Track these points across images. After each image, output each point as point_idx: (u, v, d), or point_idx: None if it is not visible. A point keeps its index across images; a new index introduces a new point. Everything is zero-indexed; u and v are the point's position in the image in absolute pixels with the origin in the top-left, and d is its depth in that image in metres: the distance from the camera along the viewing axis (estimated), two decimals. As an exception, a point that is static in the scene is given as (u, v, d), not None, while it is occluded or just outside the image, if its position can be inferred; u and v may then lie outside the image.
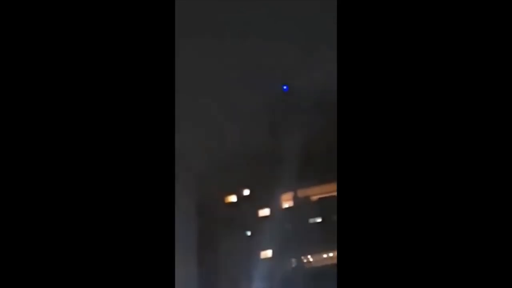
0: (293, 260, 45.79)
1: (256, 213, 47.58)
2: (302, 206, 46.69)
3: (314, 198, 47.15)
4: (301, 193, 47.25)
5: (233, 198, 48.00)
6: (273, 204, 47.43)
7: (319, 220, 46.53)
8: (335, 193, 46.88)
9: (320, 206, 46.61)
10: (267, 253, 46.37)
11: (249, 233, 47.05)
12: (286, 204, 47.41)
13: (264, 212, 47.41)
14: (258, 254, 46.37)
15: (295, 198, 47.32)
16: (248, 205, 47.77)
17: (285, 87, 51.61)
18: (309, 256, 45.64)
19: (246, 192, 48.27)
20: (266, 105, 49.42)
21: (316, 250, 45.46)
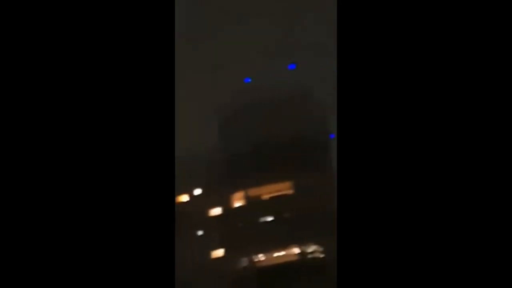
0: (245, 259, 45.92)
1: (208, 212, 47.66)
2: (253, 205, 46.87)
3: (266, 197, 47.44)
4: (253, 192, 47.39)
5: (184, 198, 47.92)
6: (225, 203, 47.55)
7: (270, 218, 46.85)
8: (286, 192, 47.43)
9: (272, 204, 46.92)
10: (218, 253, 46.49)
11: (200, 233, 47.28)
12: (237, 203, 47.56)
13: (216, 211, 47.51)
14: (210, 254, 46.62)
15: (246, 197, 47.43)
16: (200, 205, 47.94)
17: (247, 80, 51.81)
18: (260, 255, 45.82)
19: (198, 191, 48.30)
20: (219, 103, 49.47)
21: (268, 249, 45.70)
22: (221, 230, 46.49)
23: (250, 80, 52.17)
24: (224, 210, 47.57)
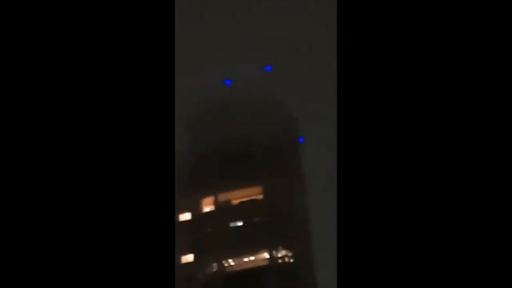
0: (214, 264, 45.49)
1: (177, 217, 47.13)
2: (223, 210, 46.44)
3: (235, 202, 47.05)
4: (222, 197, 46.95)
5: None
6: (194, 208, 47.06)
7: (240, 223, 46.52)
8: (255, 197, 47.18)
9: (241, 209, 46.56)
10: (188, 258, 46.00)
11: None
12: (207, 208, 47.15)
13: (185, 216, 47.05)
14: (179, 259, 46.10)
15: (216, 202, 47.01)
16: (169, 210, 47.24)
17: (228, 82, 51.37)
18: (230, 260, 45.45)
19: None
20: (186, 104, 48.97)
21: (238, 253, 45.33)
22: (190, 235, 46.05)
23: (230, 83, 52.15)
24: (193, 215, 47.20)
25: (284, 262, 44.87)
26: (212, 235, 45.99)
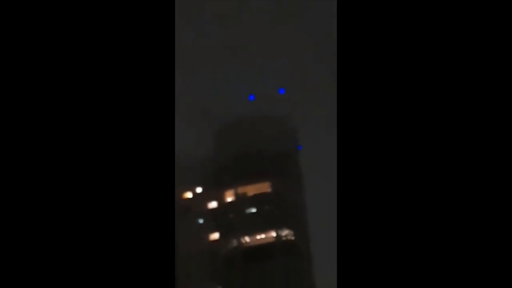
0: (234, 241, 59.72)
1: (206, 206, 61.77)
2: (241, 200, 61.17)
3: (250, 194, 61.28)
4: (240, 190, 61.19)
5: (188, 195, 62.10)
6: (219, 198, 61.51)
7: (254, 210, 60.79)
8: (265, 190, 61.46)
9: (255, 200, 61.04)
10: (215, 236, 60.51)
11: (201, 221, 61.78)
12: (229, 199, 61.70)
13: (212, 205, 61.94)
14: (208, 238, 60.86)
15: (235, 194, 61.25)
16: (200, 200, 62.63)
17: (252, 97, 66.26)
18: (246, 238, 59.69)
19: (199, 190, 62.91)
20: (214, 116, 63.84)
21: (252, 233, 59.61)
22: (216, 220, 60.96)
23: (254, 98, 66.68)
24: (219, 204, 61.89)
25: (287, 240, 59.38)
26: (232, 219, 60.72)
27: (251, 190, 61.66)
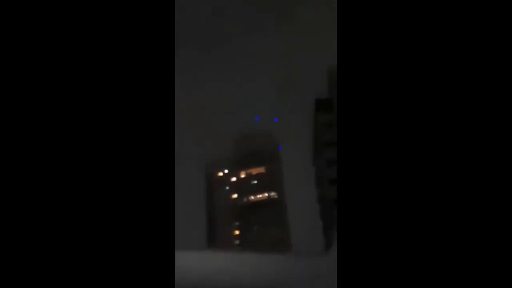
0: (245, 198, 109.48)
1: (230, 180, 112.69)
2: (248, 176, 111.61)
3: (254, 173, 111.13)
4: (248, 171, 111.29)
5: (220, 174, 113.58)
6: (237, 176, 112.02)
7: (255, 182, 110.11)
8: (262, 171, 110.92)
9: (256, 176, 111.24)
10: (235, 196, 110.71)
11: (227, 188, 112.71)
12: (242, 176, 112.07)
13: (233, 179, 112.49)
14: (232, 197, 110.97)
15: (246, 173, 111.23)
16: (225, 177, 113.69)
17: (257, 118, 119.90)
18: (251, 196, 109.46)
19: (226, 171, 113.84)
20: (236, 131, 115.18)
21: (254, 194, 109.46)
22: (235, 186, 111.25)
23: (259, 118, 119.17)
24: (237, 179, 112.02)
25: (273, 198, 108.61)
26: (244, 187, 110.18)
27: (254, 171, 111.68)
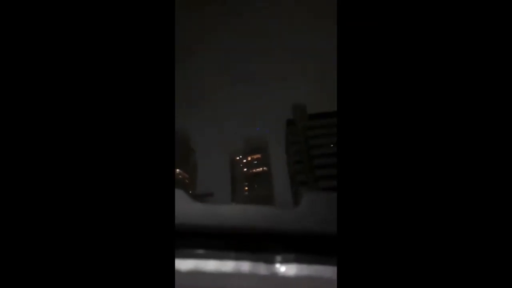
0: (245, 169, 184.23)
1: (247, 158, 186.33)
2: (251, 158, 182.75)
3: (255, 157, 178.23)
4: (251, 157, 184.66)
5: (238, 158, 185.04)
6: (242, 155, 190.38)
7: (256, 162, 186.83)
8: (260, 156, 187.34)
9: (256, 158, 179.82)
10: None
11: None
12: (245, 159, 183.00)
13: (238, 160, 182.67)
14: (241, 173, 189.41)
15: (249, 157, 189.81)
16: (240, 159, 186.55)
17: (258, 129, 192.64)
18: (252, 170, 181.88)
19: (239, 156, 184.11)
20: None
21: (254, 168, 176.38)
22: (239, 167, 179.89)
23: (259, 129, 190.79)
24: (242, 159, 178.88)
25: (263, 170, 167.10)
26: (246, 167, 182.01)
27: (253, 157, 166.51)
